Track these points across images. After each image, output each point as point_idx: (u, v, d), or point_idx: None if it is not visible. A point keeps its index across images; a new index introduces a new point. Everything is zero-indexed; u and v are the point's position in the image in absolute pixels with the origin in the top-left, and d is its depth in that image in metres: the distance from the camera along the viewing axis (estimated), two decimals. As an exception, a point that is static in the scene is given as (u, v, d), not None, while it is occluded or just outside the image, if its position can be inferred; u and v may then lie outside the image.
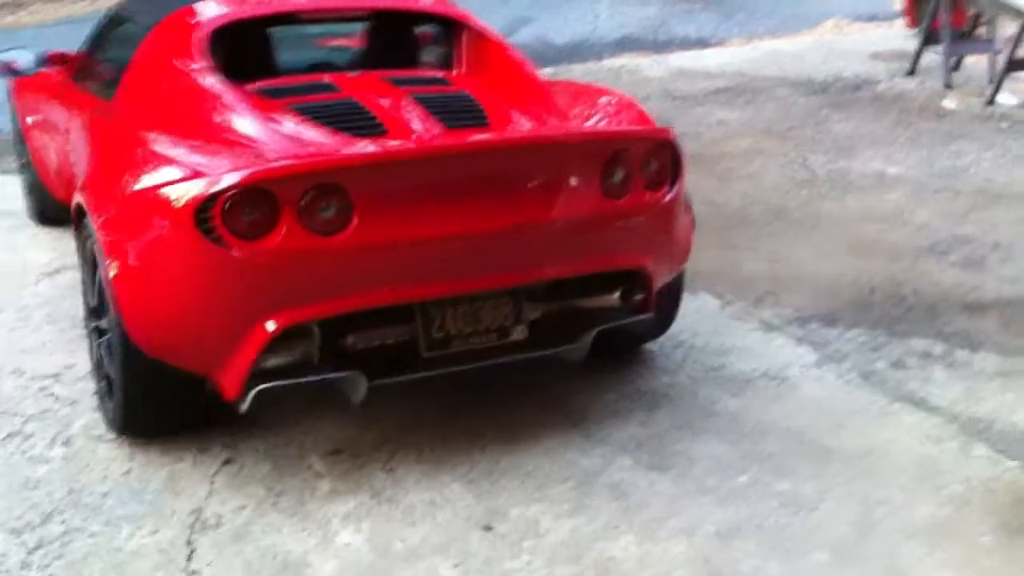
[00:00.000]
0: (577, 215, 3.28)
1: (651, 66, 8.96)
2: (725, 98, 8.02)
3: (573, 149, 3.33)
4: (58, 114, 4.61)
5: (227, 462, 3.34)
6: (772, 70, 8.64)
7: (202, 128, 3.34)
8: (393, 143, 3.26)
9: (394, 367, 3.21)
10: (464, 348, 3.27)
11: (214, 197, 2.92)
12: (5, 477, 3.24)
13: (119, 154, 3.39)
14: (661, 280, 3.60)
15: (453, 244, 3.15)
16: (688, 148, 7.23)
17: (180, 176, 3.06)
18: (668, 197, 3.47)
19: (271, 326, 3.02)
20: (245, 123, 3.30)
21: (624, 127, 3.68)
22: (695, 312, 4.46)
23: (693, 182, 6.63)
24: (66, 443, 3.42)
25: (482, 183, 3.17)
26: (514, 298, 3.32)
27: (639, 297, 3.48)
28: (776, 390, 3.83)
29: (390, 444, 3.43)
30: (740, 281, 4.78)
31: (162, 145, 3.29)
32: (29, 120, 5.24)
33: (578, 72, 8.70)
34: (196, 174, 3.04)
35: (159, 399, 3.30)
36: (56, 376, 3.85)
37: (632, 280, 3.48)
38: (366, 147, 3.20)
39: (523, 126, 3.53)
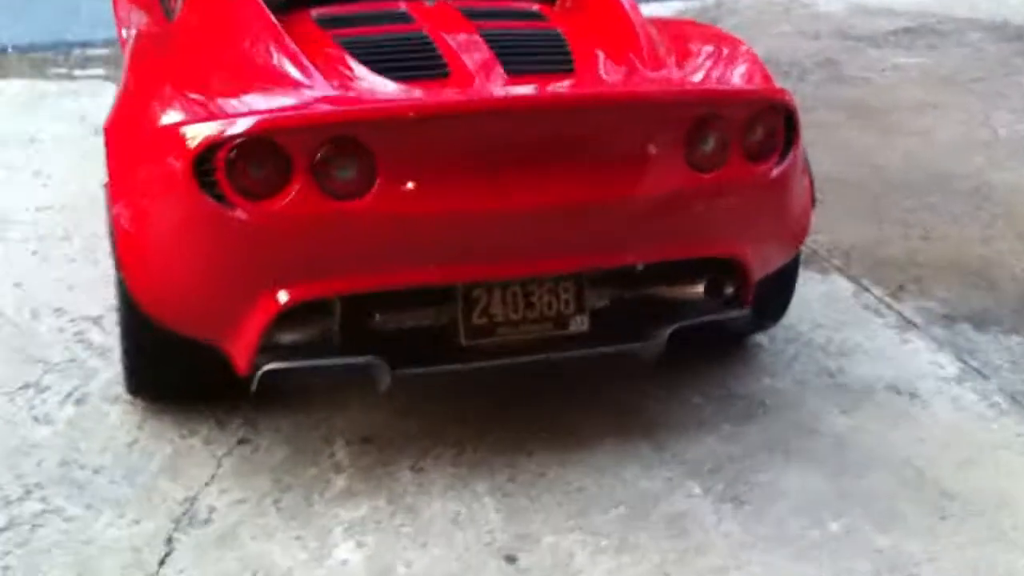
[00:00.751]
0: (652, 190, 2.71)
1: (828, 0, 8.06)
2: (906, 40, 7.09)
3: (648, 110, 2.74)
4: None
5: (242, 441, 2.96)
6: (963, 10, 7.62)
7: (233, 64, 2.89)
8: (422, 93, 2.72)
9: (425, 355, 2.75)
10: (511, 338, 2.78)
11: (215, 147, 2.49)
12: (2, 438, 2.95)
13: (148, 85, 2.99)
14: (763, 270, 2.99)
15: (500, 220, 2.64)
16: (853, 97, 6.55)
17: (187, 119, 2.64)
18: (776, 171, 2.85)
19: (282, 298, 2.59)
20: (279, 60, 2.83)
21: (719, 85, 3.04)
22: (821, 298, 3.83)
23: (853, 137, 5.96)
24: (79, 401, 3.10)
25: (534, 147, 2.64)
26: (576, 283, 2.80)
27: (730, 290, 2.89)
28: (900, 408, 3.19)
29: (427, 438, 2.98)
30: (882, 262, 4.09)
31: (188, 80, 2.87)
32: (124, 33, 4.94)
33: (745, 3, 7.90)
34: (204, 117, 2.62)
35: (165, 366, 2.94)
36: (97, 319, 3.53)
37: (722, 270, 2.89)
38: (399, 94, 2.70)
39: (609, 77, 2.95)
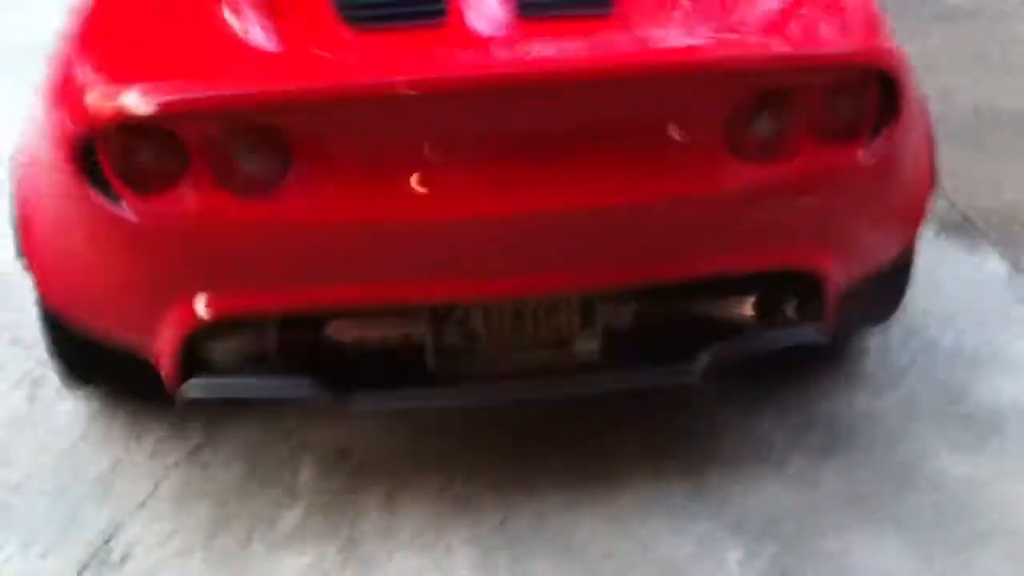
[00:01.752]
0: (686, 189, 2.01)
1: None
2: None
3: (679, 84, 2.01)
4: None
5: (196, 450, 2.47)
6: None
7: (155, 17, 2.29)
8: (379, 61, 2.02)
9: (381, 382, 2.18)
10: (496, 364, 2.17)
11: (97, 127, 1.95)
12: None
13: (59, 47, 2.40)
14: (851, 279, 2.25)
15: (477, 229, 2.01)
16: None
17: (76, 89, 2.05)
18: (868, 154, 2.09)
19: (202, 310, 2.06)
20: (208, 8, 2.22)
21: (792, 47, 2.16)
22: (962, 282, 3.04)
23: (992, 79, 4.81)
24: (35, 384, 2.69)
25: (527, 133, 1.98)
26: (582, 303, 2.15)
27: (792, 308, 2.18)
28: (1040, 448, 2.43)
29: (412, 460, 2.42)
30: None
31: (95, 37, 2.24)
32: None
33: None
34: (92, 89, 2.03)
35: (92, 368, 2.46)
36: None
37: (789, 282, 2.18)
38: (345, 61, 2.05)
39: (645, 29, 2.20)
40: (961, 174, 3.37)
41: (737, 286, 2.17)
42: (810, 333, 2.18)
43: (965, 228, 3.30)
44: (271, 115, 1.92)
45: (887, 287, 2.49)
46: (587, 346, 2.15)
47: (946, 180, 2.61)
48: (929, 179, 2.37)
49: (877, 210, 2.20)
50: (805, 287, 2.15)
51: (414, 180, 1.97)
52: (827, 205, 2.10)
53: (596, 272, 2.08)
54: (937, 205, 2.95)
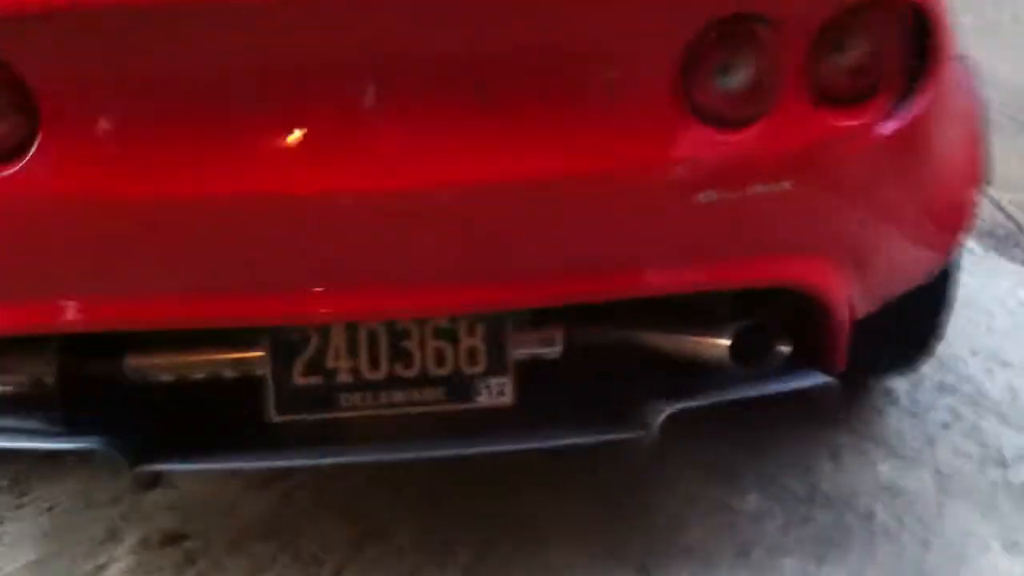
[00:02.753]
0: (624, 163, 1.36)
1: None
2: None
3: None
4: None
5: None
6: None
7: None
8: None
9: (200, 441, 1.54)
10: (364, 413, 1.53)
11: None
12: None
13: None
14: (870, 302, 1.59)
15: (322, 215, 1.37)
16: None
17: None
18: (890, 128, 1.43)
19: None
20: None
21: None
22: (1015, 311, 2.37)
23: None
24: None
25: (382, 69, 1.33)
26: (488, 326, 1.51)
27: (785, 346, 1.53)
28: None
29: (269, 538, 1.79)
30: None
31: None
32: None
33: None
34: None
35: None
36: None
37: (783, 307, 1.53)
38: None
39: None
40: (1012, 174, 2.71)
41: (708, 308, 1.52)
42: (811, 376, 1.52)
43: (1012, 238, 2.65)
44: None
45: (917, 317, 1.82)
46: (494, 389, 1.51)
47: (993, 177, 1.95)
48: (975, 169, 1.69)
49: (901, 207, 1.53)
50: (802, 312, 1.50)
51: (226, 140, 1.34)
52: (830, 195, 1.44)
53: (505, 283, 1.43)
54: (983, 211, 2.30)
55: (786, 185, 1.38)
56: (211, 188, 1.34)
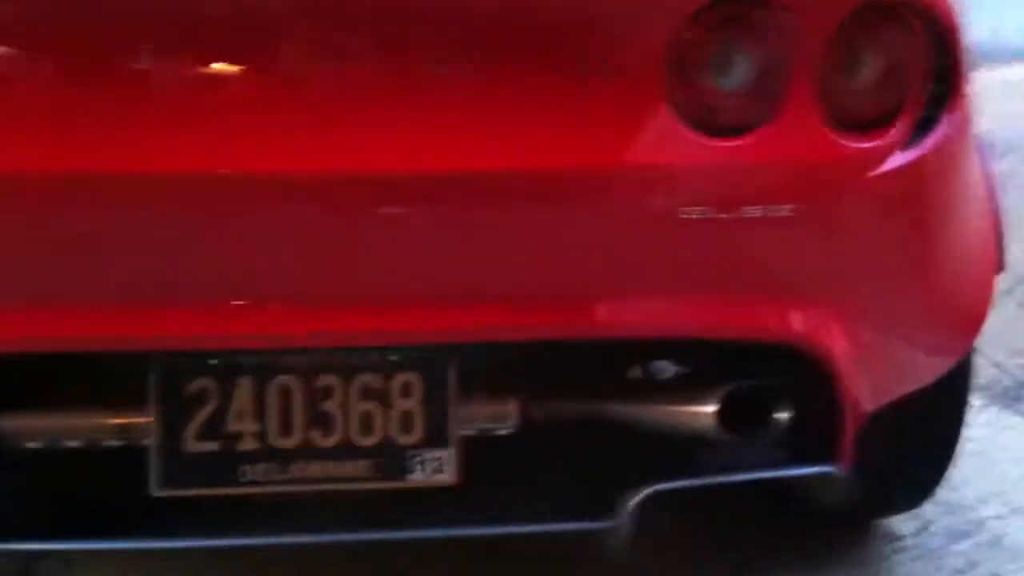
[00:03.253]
0: (599, 168, 1.16)
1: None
2: None
3: None
4: None
5: None
6: None
7: None
8: None
9: (67, 519, 1.25)
10: (268, 488, 1.25)
11: None
12: None
13: None
14: (883, 391, 1.35)
15: (216, 208, 1.16)
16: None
17: None
18: (897, 159, 1.23)
19: None
20: None
21: None
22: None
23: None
24: None
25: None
26: (430, 371, 1.25)
27: (785, 415, 1.28)
28: None
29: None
30: None
31: None
32: None
33: None
34: None
35: None
36: None
37: (776, 369, 1.29)
38: None
39: None
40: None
41: (690, 367, 1.29)
42: (822, 467, 1.27)
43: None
44: None
45: (930, 430, 1.56)
46: (430, 465, 1.24)
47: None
48: (994, 251, 1.48)
49: (916, 258, 1.30)
50: (804, 379, 1.25)
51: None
52: (837, 230, 1.22)
53: (441, 309, 1.19)
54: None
55: (785, 211, 1.17)
56: (61, 165, 1.11)
